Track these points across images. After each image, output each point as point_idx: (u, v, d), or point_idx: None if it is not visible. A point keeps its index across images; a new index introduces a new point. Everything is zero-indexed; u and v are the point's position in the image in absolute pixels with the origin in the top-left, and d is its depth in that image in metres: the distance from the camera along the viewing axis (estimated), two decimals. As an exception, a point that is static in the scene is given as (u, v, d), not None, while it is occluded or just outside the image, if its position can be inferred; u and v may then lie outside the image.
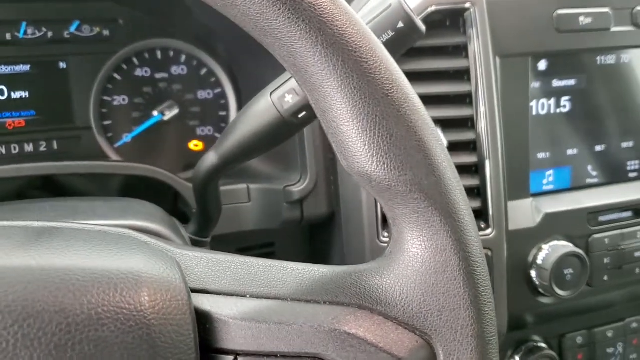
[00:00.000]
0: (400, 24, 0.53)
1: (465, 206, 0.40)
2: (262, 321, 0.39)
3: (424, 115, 0.38)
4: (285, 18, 0.34)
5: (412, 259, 0.40)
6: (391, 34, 0.54)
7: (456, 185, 0.40)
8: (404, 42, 0.55)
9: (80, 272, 0.36)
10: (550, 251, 0.78)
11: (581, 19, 0.79)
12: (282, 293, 0.40)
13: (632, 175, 0.88)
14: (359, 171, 0.38)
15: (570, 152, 0.83)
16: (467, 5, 0.74)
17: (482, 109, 0.75)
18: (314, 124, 0.78)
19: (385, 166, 0.37)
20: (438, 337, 0.40)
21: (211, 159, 0.60)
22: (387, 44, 0.54)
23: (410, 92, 0.38)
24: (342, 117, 0.37)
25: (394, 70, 0.37)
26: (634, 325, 0.93)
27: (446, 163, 0.39)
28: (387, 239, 0.74)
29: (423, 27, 0.55)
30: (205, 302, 0.39)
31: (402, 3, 0.53)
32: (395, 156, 0.37)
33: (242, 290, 0.40)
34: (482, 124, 0.75)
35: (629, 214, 0.83)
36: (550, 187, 0.83)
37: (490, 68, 0.75)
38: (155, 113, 0.87)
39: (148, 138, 0.88)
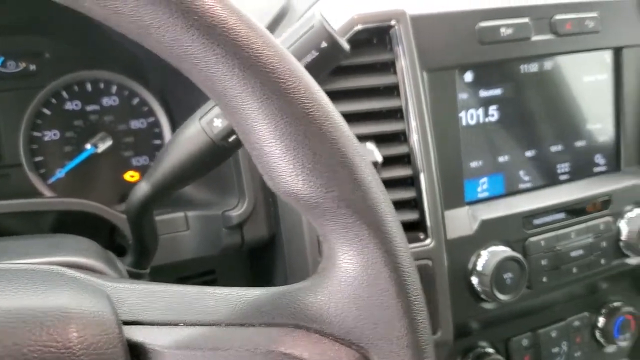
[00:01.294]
0: (324, 44, 0.54)
1: (392, 218, 0.41)
2: (196, 348, 0.38)
3: (346, 132, 0.39)
4: (200, 44, 0.34)
5: (344, 274, 0.40)
6: (315, 54, 0.55)
7: (382, 198, 0.40)
8: (329, 61, 0.56)
9: (5, 313, 0.35)
10: (489, 257, 0.80)
11: (502, 30, 0.82)
12: (217, 319, 0.40)
13: (562, 177, 0.91)
14: (286, 191, 0.38)
15: (501, 159, 0.86)
16: (392, 22, 0.76)
17: (413, 122, 0.76)
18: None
19: (311, 184, 0.37)
20: (374, 350, 0.40)
21: (143, 188, 0.59)
22: (312, 64, 0.55)
23: (331, 110, 0.38)
24: (264, 138, 0.37)
25: (314, 89, 0.38)
26: (576, 323, 0.95)
27: (371, 177, 0.40)
28: (328, 257, 0.74)
29: (347, 46, 0.56)
30: (138, 334, 0.38)
31: (324, 24, 0.54)
32: (320, 173, 0.37)
33: (176, 319, 0.40)
34: (414, 138, 0.76)
35: (561, 215, 0.86)
36: (485, 195, 0.85)
37: (418, 82, 0.77)
38: (88, 146, 0.86)
39: (82, 172, 0.87)
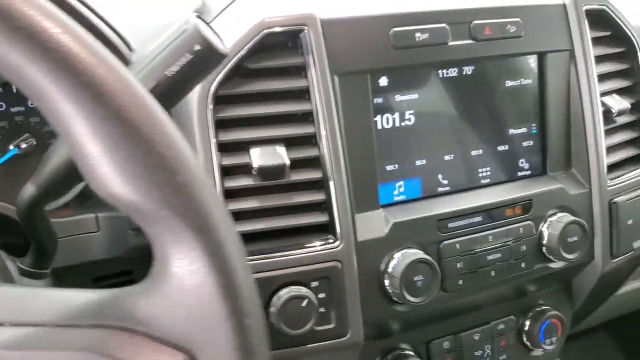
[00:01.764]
0: (197, 47, 0.55)
1: (221, 220, 0.41)
2: (16, 348, 0.39)
3: (169, 133, 0.39)
4: (6, 43, 0.35)
5: (173, 277, 0.41)
6: (190, 56, 0.55)
7: (210, 201, 0.41)
8: (207, 64, 0.57)
9: None
10: (399, 259, 0.80)
11: (417, 35, 0.82)
12: (45, 319, 0.41)
13: (484, 181, 0.91)
14: (108, 194, 0.38)
15: (419, 162, 0.87)
16: (302, 27, 0.77)
17: (322, 126, 0.77)
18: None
19: (132, 187, 0.38)
20: (202, 354, 0.41)
21: (29, 190, 0.60)
22: (187, 66, 0.56)
23: (153, 112, 0.38)
24: (82, 139, 0.37)
25: (133, 89, 0.37)
26: (501, 326, 0.96)
27: (196, 180, 0.40)
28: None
29: (225, 49, 0.57)
30: (-40, 335, 0.39)
31: (198, 28, 0.55)
32: (139, 176, 0.38)
33: (1, 319, 0.41)
34: (323, 141, 0.77)
35: (479, 218, 0.87)
36: (402, 198, 0.86)
37: (328, 87, 0.77)
38: (11, 147, 0.87)
39: (6, 173, 0.87)
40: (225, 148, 0.76)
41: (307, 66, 0.77)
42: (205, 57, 0.56)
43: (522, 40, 0.90)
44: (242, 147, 0.76)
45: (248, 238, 0.76)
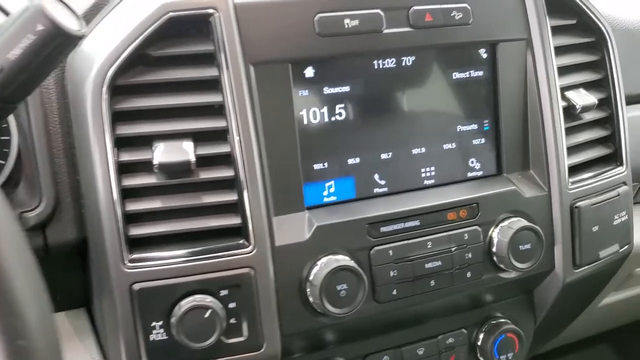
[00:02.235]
0: (40, 27, 0.49)
1: None
2: None
3: None
4: None
5: None
6: (32, 37, 0.49)
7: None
8: (56, 46, 0.51)
9: None
10: (321, 266, 0.73)
11: (346, 21, 0.75)
12: None
13: (427, 182, 0.84)
14: None
15: (351, 161, 0.79)
16: (211, 11, 0.70)
17: (233, 120, 0.70)
18: (54, 144, 0.73)
19: None
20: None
21: None
22: (31, 49, 0.50)
23: None
24: None
25: None
26: (450, 340, 0.89)
27: None
28: (134, 264, 0.69)
29: (77, 31, 0.51)
30: None
31: (42, 6, 0.49)
32: None
33: None
34: (234, 136, 0.71)
35: (416, 222, 0.79)
36: (333, 199, 0.79)
37: (241, 77, 0.71)
38: None
39: None
40: (125, 143, 0.70)
41: (217, 54, 0.71)
42: (52, 40, 0.50)
43: (470, 28, 0.82)
44: (146, 142, 0.70)
45: (150, 242, 0.70)
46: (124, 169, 0.69)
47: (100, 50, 0.68)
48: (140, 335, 0.69)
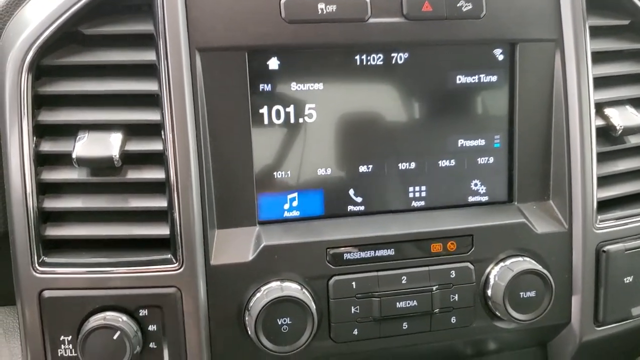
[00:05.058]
0: None
1: None
2: None
3: None
4: None
5: None
6: None
7: None
8: None
9: None
10: (262, 294, 0.62)
11: (321, 6, 0.63)
12: None
13: (416, 204, 0.70)
14: None
15: (321, 172, 0.67)
16: (153, -14, 0.60)
17: (167, 113, 0.60)
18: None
19: None
20: None
21: None
22: None
23: None
24: None
25: None
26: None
27: None
28: (45, 269, 0.60)
29: None
30: None
31: None
32: None
33: None
34: (168, 132, 0.61)
35: (389, 251, 0.66)
36: (295, 214, 0.67)
37: (182, 63, 0.61)
38: None
39: None
40: (48, 132, 0.61)
41: (156, 36, 0.61)
42: None
43: (482, 23, 0.67)
44: (71, 132, 0.61)
45: (67, 246, 0.62)
46: (43, 160, 0.61)
47: (25, 26, 0.60)
48: (48, 349, 0.61)
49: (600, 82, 0.71)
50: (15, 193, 0.60)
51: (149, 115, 0.61)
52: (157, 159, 0.62)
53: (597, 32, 0.71)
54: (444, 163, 0.70)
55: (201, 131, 0.62)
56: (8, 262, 0.64)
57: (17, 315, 0.73)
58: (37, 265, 0.60)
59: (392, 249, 0.66)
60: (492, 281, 0.68)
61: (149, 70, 0.61)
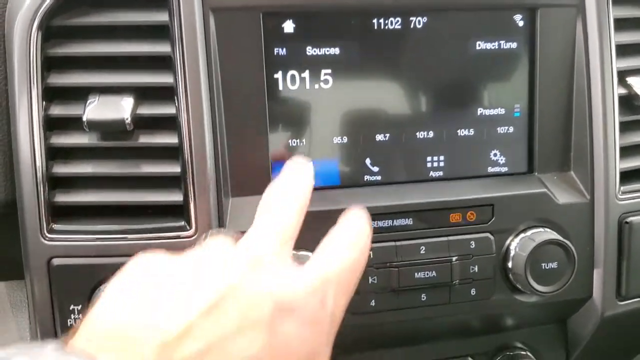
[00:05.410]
0: None
1: None
2: None
3: None
4: None
5: None
6: None
7: None
8: None
9: None
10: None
11: (338, -33, 0.61)
12: None
13: (434, 174, 0.68)
14: None
15: (337, 140, 0.66)
16: (165, -59, 0.58)
17: (180, 76, 0.59)
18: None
19: None
20: None
21: None
22: None
23: None
24: None
25: None
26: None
27: None
28: (54, 235, 0.59)
29: None
30: None
31: None
32: None
33: None
34: (181, 96, 0.59)
35: (407, 221, 0.64)
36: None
37: (195, 24, 0.59)
38: None
39: None
40: (58, 94, 0.60)
41: (167, -5, 0.59)
42: None
43: (503, -12, 0.66)
44: (82, 95, 0.60)
45: (77, 212, 0.60)
46: (53, 124, 0.60)
47: (35, -17, 0.59)
48: (57, 318, 0.60)
49: (622, 50, 0.69)
50: (24, 158, 0.59)
51: (162, 78, 0.60)
52: (169, 123, 0.60)
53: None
54: (462, 132, 0.68)
55: (215, 95, 0.60)
56: (15, 234, 0.63)
57: (24, 289, 0.72)
58: (46, 232, 0.59)
59: (410, 219, 0.64)
60: (512, 252, 0.66)
61: (161, 32, 0.60)
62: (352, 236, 0.48)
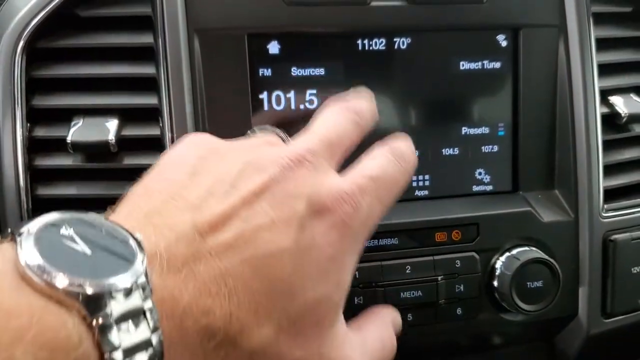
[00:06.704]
0: None
1: None
2: None
3: None
4: None
5: None
6: None
7: None
8: None
9: None
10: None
11: (322, -11, 0.62)
12: None
13: (419, 193, 0.69)
14: None
15: (322, 160, 0.65)
16: (150, -35, 0.59)
17: (165, 97, 0.59)
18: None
19: None
20: None
21: None
22: None
23: None
24: None
25: None
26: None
27: None
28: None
29: None
30: None
31: None
32: None
33: None
34: (165, 117, 0.59)
35: (392, 240, 0.64)
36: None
37: (179, 45, 0.59)
38: None
39: None
40: (42, 117, 0.60)
41: (154, 17, 0.59)
42: None
43: (485, 8, 0.67)
44: (66, 117, 0.60)
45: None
46: (37, 147, 0.59)
47: (19, 8, 0.59)
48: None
49: (604, 70, 0.70)
50: (8, 180, 0.58)
51: (147, 100, 0.60)
52: (154, 145, 0.60)
53: (600, 19, 0.70)
54: (447, 151, 0.69)
55: (200, 116, 0.60)
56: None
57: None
58: (18, 218, 0.58)
59: (396, 238, 0.65)
60: (498, 271, 0.66)
61: (146, 53, 0.60)
62: (397, 153, 0.48)
